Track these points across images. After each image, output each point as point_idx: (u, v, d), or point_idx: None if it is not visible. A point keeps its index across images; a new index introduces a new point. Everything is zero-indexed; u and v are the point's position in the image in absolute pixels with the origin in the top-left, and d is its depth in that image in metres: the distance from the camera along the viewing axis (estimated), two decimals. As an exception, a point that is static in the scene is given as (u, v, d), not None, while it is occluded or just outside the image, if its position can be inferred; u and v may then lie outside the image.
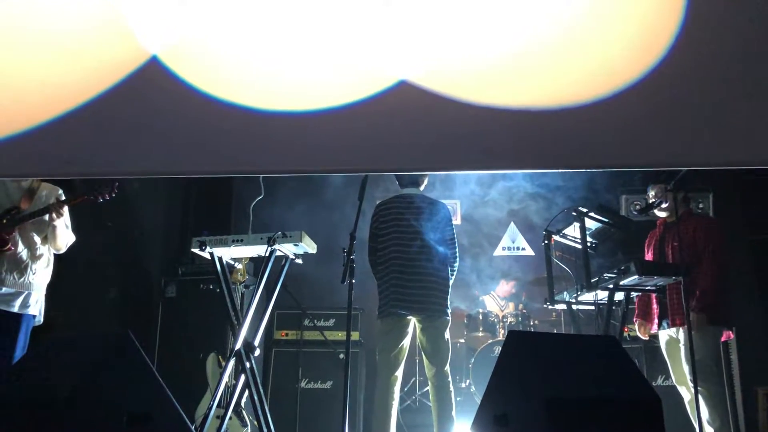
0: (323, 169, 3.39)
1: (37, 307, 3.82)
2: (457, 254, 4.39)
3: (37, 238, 3.85)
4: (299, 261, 3.99)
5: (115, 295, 5.64)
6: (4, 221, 3.72)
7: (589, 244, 4.14)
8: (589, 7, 2.85)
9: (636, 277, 3.79)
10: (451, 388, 4.12)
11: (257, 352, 3.79)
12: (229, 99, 2.89)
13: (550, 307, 4.54)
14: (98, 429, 2.31)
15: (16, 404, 2.33)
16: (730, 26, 2.76)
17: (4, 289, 3.69)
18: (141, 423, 2.38)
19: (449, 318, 4.22)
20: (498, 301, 6.45)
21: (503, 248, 6.99)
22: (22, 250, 3.78)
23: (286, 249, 3.86)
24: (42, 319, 3.88)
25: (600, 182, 6.09)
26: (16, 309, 3.71)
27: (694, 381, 3.81)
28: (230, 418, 3.96)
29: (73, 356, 2.59)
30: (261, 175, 5.61)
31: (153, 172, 3.16)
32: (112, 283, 5.62)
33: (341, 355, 5.24)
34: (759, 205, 5.84)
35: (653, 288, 4.08)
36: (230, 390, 4.08)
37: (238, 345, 3.72)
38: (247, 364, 3.71)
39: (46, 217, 3.75)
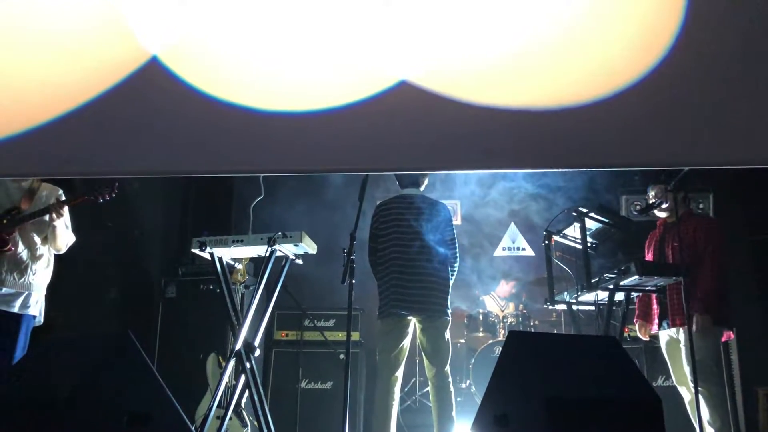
0: (323, 168, 3.39)
1: (37, 308, 3.82)
2: (458, 255, 4.38)
3: (37, 239, 3.85)
4: (299, 261, 3.99)
5: (115, 296, 5.64)
6: (5, 221, 3.72)
7: (589, 244, 4.14)
8: (589, 8, 2.85)
9: (636, 277, 3.79)
10: (452, 389, 4.12)
11: (257, 353, 3.79)
12: (230, 99, 2.89)
13: (550, 307, 4.53)
14: (98, 429, 2.31)
15: (17, 404, 2.33)
16: (731, 26, 2.76)
17: (5, 290, 3.69)
18: (141, 423, 2.38)
19: (449, 318, 4.22)
20: (498, 301, 6.45)
21: (503, 248, 6.99)
22: (22, 251, 3.78)
23: (287, 249, 3.86)
24: (42, 320, 3.88)
25: (600, 182, 6.10)
26: (16, 309, 3.71)
27: (695, 381, 3.81)
28: (230, 418, 3.96)
29: (74, 356, 2.59)
30: (261, 176, 5.61)
31: (153, 171, 3.16)
32: (112, 284, 5.62)
33: (341, 356, 5.24)
34: (759, 206, 5.84)
35: (653, 288, 4.08)
36: (230, 390, 4.08)
37: (239, 345, 3.72)
38: (248, 365, 3.70)
39: (47, 217, 3.75)
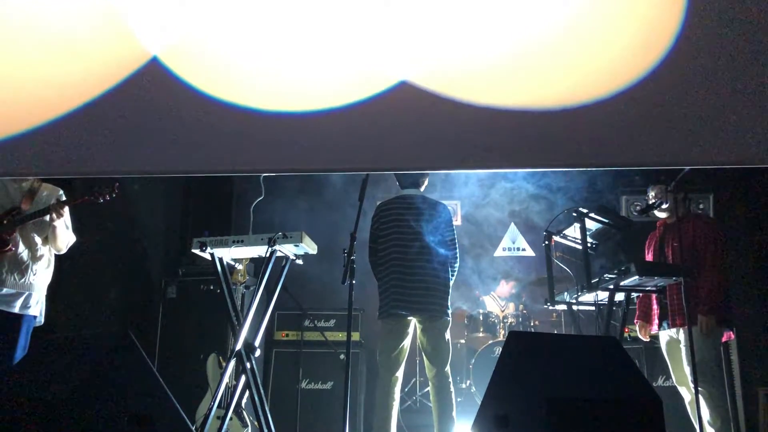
0: (324, 168, 3.39)
1: (37, 308, 3.82)
2: (458, 255, 4.38)
3: (37, 239, 3.85)
4: (300, 262, 3.99)
5: (115, 296, 5.63)
6: (5, 222, 3.72)
7: (589, 244, 4.14)
8: (588, 8, 2.85)
9: (636, 277, 3.79)
10: (452, 389, 4.12)
11: (258, 353, 3.79)
12: (230, 99, 2.89)
13: (550, 307, 4.53)
14: (99, 430, 2.31)
15: (17, 405, 2.33)
16: (731, 26, 2.76)
17: (5, 290, 3.69)
18: (141, 423, 2.38)
19: (450, 319, 4.21)
20: (498, 301, 6.45)
21: (503, 249, 6.99)
22: (22, 251, 3.78)
23: (287, 250, 3.86)
24: (43, 320, 3.88)
25: (601, 183, 6.10)
26: (16, 310, 3.71)
27: (695, 382, 3.81)
28: (231, 418, 3.96)
29: (74, 357, 2.59)
30: (261, 176, 5.61)
31: (153, 171, 3.16)
32: (113, 284, 5.62)
33: (342, 356, 5.24)
34: (759, 206, 5.84)
35: (653, 289, 4.08)
36: (231, 390, 4.08)
37: (239, 345, 3.72)
38: (248, 365, 3.70)
39: (47, 217, 3.75)
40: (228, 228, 6.44)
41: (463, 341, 6.29)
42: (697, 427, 3.98)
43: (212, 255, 3.91)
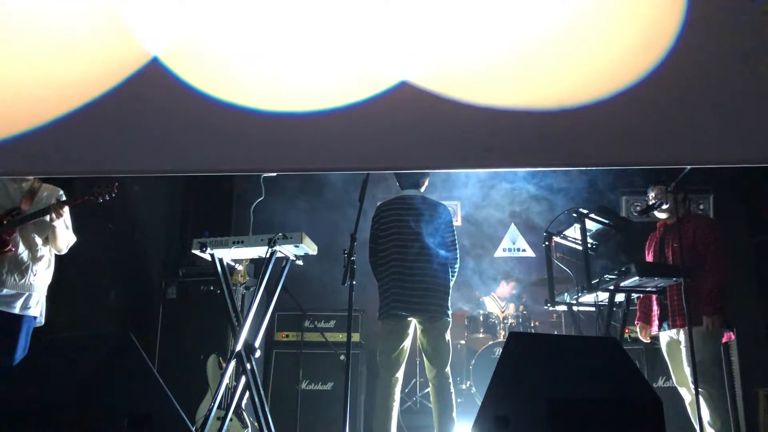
0: (324, 167, 3.39)
1: (38, 309, 3.82)
2: (458, 256, 4.38)
3: (38, 240, 3.84)
4: (300, 262, 3.99)
5: (115, 297, 5.64)
6: (5, 222, 3.72)
7: (589, 245, 4.14)
8: (588, 9, 2.85)
9: (636, 278, 3.79)
10: (452, 390, 4.11)
11: (258, 354, 3.79)
12: (230, 100, 2.89)
13: (550, 308, 4.53)
14: (99, 430, 2.31)
15: (18, 406, 2.33)
16: (731, 27, 2.77)
17: (5, 291, 3.69)
18: (142, 424, 2.38)
19: (450, 319, 4.21)
20: (498, 302, 6.44)
21: (504, 249, 6.99)
22: (23, 252, 3.77)
23: (287, 250, 3.86)
24: (43, 321, 3.88)
25: (601, 183, 6.09)
26: (17, 310, 3.71)
27: (695, 382, 3.80)
28: (231, 419, 3.95)
29: (74, 358, 2.59)
30: (261, 177, 5.61)
31: (153, 171, 3.17)
32: (113, 285, 5.63)
33: (342, 357, 5.24)
34: (759, 206, 5.84)
35: (654, 289, 4.08)
36: (231, 391, 4.08)
37: (239, 346, 3.72)
38: (248, 366, 3.70)
39: (47, 217, 3.74)
40: (228, 228, 6.44)
41: (463, 342, 6.29)
42: (697, 427, 3.98)
43: (212, 256, 3.91)
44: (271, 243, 3.74)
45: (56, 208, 3.73)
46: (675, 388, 4.30)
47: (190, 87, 2.93)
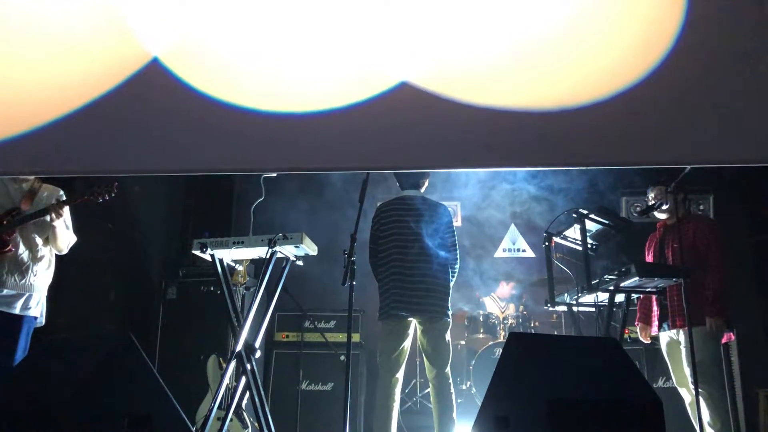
0: (325, 167, 3.39)
1: (38, 309, 3.82)
2: (458, 257, 4.38)
3: (38, 240, 3.84)
4: (300, 263, 3.99)
5: (116, 297, 5.64)
6: (4, 222, 3.72)
7: (589, 245, 4.14)
8: (588, 10, 2.85)
9: (636, 278, 3.79)
10: (452, 390, 4.11)
11: (258, 354, 3.79)
12: (231, 100, 2.90)
13: (550, 308, 4.53)
14: (99, 431, 2.31)
15: (18, 406, 2.33)
16: (731, 27, 2.77)
17: (5, 291, 3.69)
18: (142, 425, 2.38)
19: (450, 320, 4.21)
20: (498, 302, 6.44)
21: (504, 250, 6.99)
22: (23, 252, 3.77)
23: (287, 251, 3.86)
24: (44, 321, 3.88)
25: (602, 184, 6.09)
26: (17, 311, 3.71)
27: (695, 383, 3.80)
28: (231, 419, 3.95)
29: (74, 358, 2.59)
30: (262, 177, 5.62)
31: (154, 170, 3.17)
32: (113, 285, 5.62)
33: (342, 357, 5.23)
34: (759, 207, 5.84)
35: (654, 290, 4.08)
36: (231, 392, 4.08)
37: (239, 347, 3.72)
38: (248, 366, 3.70)
39: (47, 217, 3.74)
40: (228, 228, 6.44)
41: (463, 342, 6.28)
42: (697, 428, 3.98)
43: (212, 256, 3.91)
44: (271, 243, 3.74)
45: (56, 208, 3.73)
46: (675, 388, 4.30)
47: (191, 87, 2.93)
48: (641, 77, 2.72)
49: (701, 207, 5.98)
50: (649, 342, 4.55)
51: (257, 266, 4.47)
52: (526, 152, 2.81)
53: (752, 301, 5.65)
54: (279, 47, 2.95)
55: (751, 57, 2.73)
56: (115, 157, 2.95)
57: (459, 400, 5.29)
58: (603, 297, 4.10)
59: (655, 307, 4.35)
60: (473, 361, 5.83)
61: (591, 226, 4.20)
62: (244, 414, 4.44)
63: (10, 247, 3.70)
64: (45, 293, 3.88)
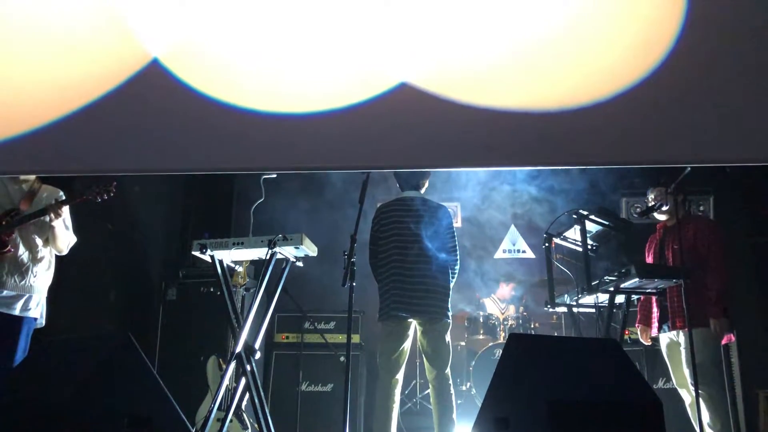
0: (325, 166, 3.39)
1: (38, 310, 3.81)
2: (458, 258, 4.38)
3: (38, 241, 3.84)
4: (300, 264, 3.99)
5: (115, 298, 5.63)
6: (3, 223, 3.71)
7: (589, 246, 4.14)
8: (588, 11, 2.85)
9: (636, 279, 3.79)
10: (452, 391, 4.11)
11: (258, 355, 3.79)
12: (231, 101, 2.90)
13: (550, 309, 4.53)
14: (99, 431, 2.31)
15: (17, 408, 2.33)
16: (731, 27, 2.77)
17: (5, 292, 3.68)
18: (141, 426, 2.38)
19: (450, 321, 4.21)
20: (498, 303, 6.44)
21: (504, 251, 6.98)
22: (23, 253, 3.77)
23: (287, 252, 3.86)
24: (44, 322, 3.87)
25: (602, 185, 6.09)
26: (17, 312, 3.70)
27: (695, 384, 3.80)
28: (231, 420, 3.95)
29: (74, 359, 2.59)
30: (262, 178, 5.62)
31: (154, 169, 3.18)
32: (113, 286, 5.62)
33: (342, 358, 5.23)
34: (759, 207, 5.84)
35: (654, 291, 4.08)
36: (231, 393, 4.08)
37: (239, 348, 3.72)
38: (248, 367, 3.70)
39: (46, 218, 3.74)
40: (228, 229, 6.44)
41: (463, 343, 6.28)
42: (697, 429, 3.98)
43: (212, 257, 3.91)
44: (271, 244, 3.74)
45: (55, 208, 3.72)
46: (675, 389, 4.30)
47: (191, 88, 2.94)
48: (641, 77, 2.72)
49: (701, 208, 5.98)
50: (649, 344, 4.55)
51: (257, 267, 4.47)
52: (526, 152, 2.81)
53: (752, 301, 5.65)
54: (279, 47, 2.95)
55: (751, 57, 2.73)
56: (115, 157, 2.96)
57: (459, 401, 5.29)
58: (603, 298, 4.11)
59: (655, 309, 4.34)
60: (473, 362, 5.83)
61: (591, 227, 4.20)
62: (244, 415, 4.44)
63: (9, 248, 3.70)
64: (45, 294, 3.88)
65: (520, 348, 2.52)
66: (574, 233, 4.30)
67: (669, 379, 4.49)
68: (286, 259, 3.94)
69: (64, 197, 3.92)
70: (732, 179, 5.94)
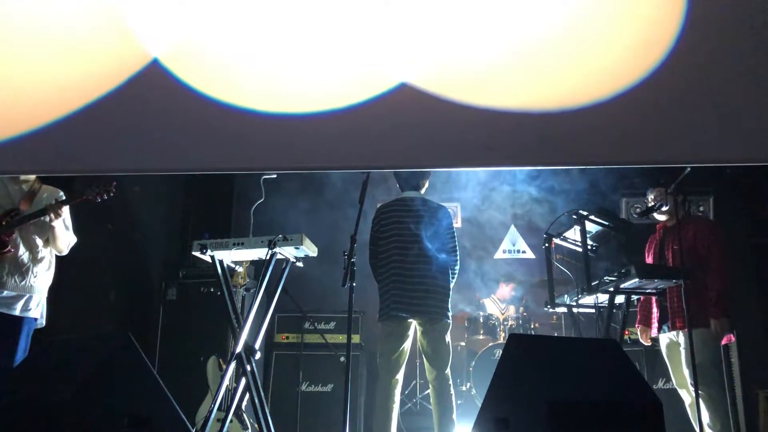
0: (324, 166, 3.39)
1: (38, 310, 3.81)
2: (458, 259, 4.37)
3: (38, 241, 3.84)
4: (300, 264, 3.99)
5: (115, 298, 5.63)
6: (3, 223, 3.71)
7: (589, 247, 4.14)
8: (588, 11, 2.85)
9: (636, 280, 3.79)
10: (452, 391, 4.11)
11: (258, 355, 3.79)
12: (231, 101, 2.90)
13: (550, 310, 4.53)
14: (99, 431, 2.31)
15: (17, 408, 2.33)
16: (730, 28, 2.77)
17: (6, 293, 3.68)
18: (141, 426, 2.38)
19: (450, 321, 4.21)
20: (498, 304, 6.44)
21: (503, 251, 6.98)
22: (23, 253, 3.77)
23: (287, 252, 3.86)
24: (44, 322, 3.87)
25: (603, 185, 6.09)
26: (17, 312, 3.70)
27: (695, 384, 3.80)
28: (231, 421, 3.95)
29: (74, 359, 2.60)
30: (262, 179, 5.62)
31: (154, 169, 3.18)
32: (113, 286, 5.62)
33: (342, 358, 5.23)
34: (759, 208, 5.84)
35: (654, 291, 4.08)
36: (231, 393, 4.08)
37: (239, 348, 3.72)
38: (248, 367, 3.70)
39: (46, 218, 3.74)
40: (228, 229, 6.44)
41: (463, 344, 6.28)
42: (697, 429, 3.98)
43: (212, 257, 3.91)
44: (271, 245, 3.74)
45: (55, 208, 3.72)
46: (675, 389, 4.30)
47: (191, 89, 2.94)
48: (641, 77, 2.72)
49: (701, 208, 5.98)
50: (649, 344, 4.54)
51: (257, 267, 4.47)
52: (526, 152, 2.81)
53: (752, 302, 5.65)
54: (279, 48, 2.95)
55: (751, 57, 2.73)
56: (115, 157, 2.96)
57: (459, 402, 5.28)
58: (603, 298, 4.11)
59: (654, 309, 4.34)
60: (473, 363, 5.83)
61: (591, 227, 4.20)
62: (244, 415, 4.44)
63: (9, 248, 3.70)
64: (45, 294, 3.88)
65: (520, 348, 2.52)
66: (574, 233, 4.30)
67: (669, 380, 4.49)
68: (286, 260, 3.94)
69: (64, 197, 3.92)
70: (732, 179, 5.95)
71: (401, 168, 4.09)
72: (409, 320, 4.17)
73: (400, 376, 4.16)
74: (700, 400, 3.87)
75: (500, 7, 2.90)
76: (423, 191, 4.42)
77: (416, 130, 2.83)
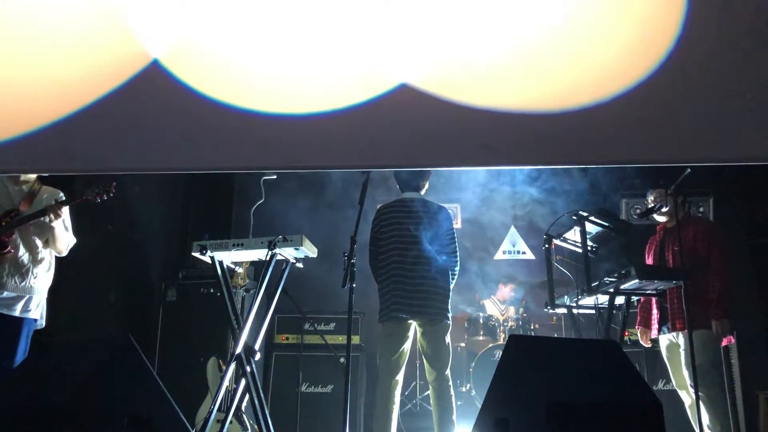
0: (324, 166, 3.40)
1: (38, 311, 3.81)
2: (458, 260, 4.37)
3: (38, 242, 3.83)
4: (300, 265, 3.99)
5: (115, 299, 5.63)
6: (3, 224, 3.71)
7: (589, 248, 4.14)
8: (587, 11, 2.85)
9: (636, 281, 3.79)
10: (452, 392, 4.11)
11: (258, 356, 3.79)
12: (231, 102, 2.90)
13: (550, 311, 4.53)
14: (98, 432, 2.31)
15: (17, 409, 2.32)
16: (730, 28, 2.77)
17: (5, 293, 3.68)
18: (141, 426, 2.38)
19: (450, 322, 4.21)
20: (498, 305, 6.44)
21: (503, 252, 6.98)
22: (23, 254, 3.77)
23: (287, 253, 3.86)
24: (44, 323, 3.87)
25: (603, 186, 6.09)
26: (17, 313, 3.70)
27: (695, 386, 3.80)
28: (231, 422, 3.95)
29: (74, 360, 2.59)
30: (262, 179, 5.63)
31: (154, 168, 3.18)
32: (113, 287, 5.62)
33: (342, 359, 5.23)
34: (759, 209, 5.84)
35: (654, 292, 4.07)
36: (231, 394, 4.07)
37: (239, 349, 3.72)
38: (248, 368, 3.70)
39: (46, 218, 3.74)
40: (228, 229, 6.44)
41: (463, 344, 6.28)
42: (697, 430, 3.98)
43: (212, 258, 3.91)
44: (271, 246, 3.74)
45: (54, 208, 3.71)
46: (675, 391, 4.30)
47: (191, 89, 2.94)
48: (641, 77, 2.72)
49: (701, 209, 5.98)
50: (649, 345, 4.54)
51: (257, 268, 4.47)
52: (525, 152, 2.81)
53: (752, 303, 5.65)
54: (279, 48, 2.95)
55: (751, 56, 2.73)
56: (115, 157, 2.96)
57: (459, 403, 5.28)
58: (603, 299, 4.11)
59: (654, 310, 4.34)
60: (473, 364, 5.83)
61: (591, 228, 4.20)
62: (244, 416, 4.44)
63: (9, 248, 3.70)
64: (45, 295, 3.87)
65: (520, 349, 2.52)
66: (574, 234, 4.30)
67: (669, 381, 4.48)
68: (286, 260, 3.93)
69: (63, 198, 3.91)
70: (732, 179, 5.95)
71: (401, 167, 4.09)
72: (409, 321, 4.17)
73: (400, 377, 4.16)
74: (700, 402, 3.87)
75: (500, 8, 2.90)
76: (423, 192, 4.42)
77: (416, 129, 2.83)
